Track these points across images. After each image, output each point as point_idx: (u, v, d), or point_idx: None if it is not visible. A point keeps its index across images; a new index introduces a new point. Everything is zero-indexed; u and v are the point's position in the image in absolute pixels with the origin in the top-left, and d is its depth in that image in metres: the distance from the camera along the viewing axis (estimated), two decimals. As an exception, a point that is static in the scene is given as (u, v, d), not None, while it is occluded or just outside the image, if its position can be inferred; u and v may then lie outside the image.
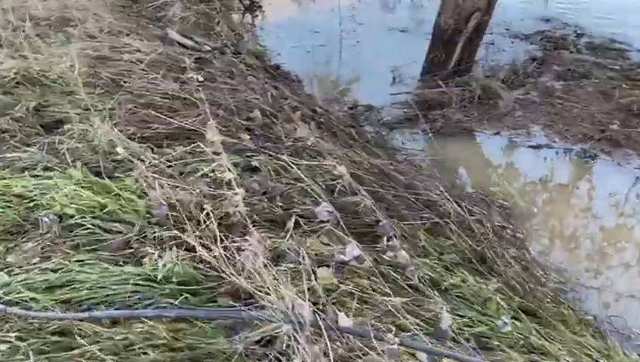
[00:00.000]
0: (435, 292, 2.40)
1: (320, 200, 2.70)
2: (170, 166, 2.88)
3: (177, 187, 2.59)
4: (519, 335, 2.35)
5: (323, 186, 2.96)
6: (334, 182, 2.96)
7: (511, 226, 3.49)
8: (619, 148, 4.42)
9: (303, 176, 2.87)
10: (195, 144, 2.89)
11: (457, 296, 2.51)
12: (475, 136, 4.67)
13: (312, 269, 2.21)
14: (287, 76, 5.46)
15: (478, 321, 2.39)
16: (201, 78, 4.08)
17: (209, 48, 5.18)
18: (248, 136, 3.35)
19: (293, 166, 2.94)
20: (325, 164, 3.08)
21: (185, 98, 3.66)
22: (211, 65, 4.68)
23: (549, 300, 2.84)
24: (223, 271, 2.08)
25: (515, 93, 5.30)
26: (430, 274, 2.55)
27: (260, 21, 8.02)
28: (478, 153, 4.50)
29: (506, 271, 2.88)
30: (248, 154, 3.10)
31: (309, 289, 2.08)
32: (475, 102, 5.05)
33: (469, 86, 5.16)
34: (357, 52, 6.54)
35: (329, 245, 2.43)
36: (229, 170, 2.64)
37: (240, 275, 2.06)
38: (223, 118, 3.53)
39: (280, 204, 2.66)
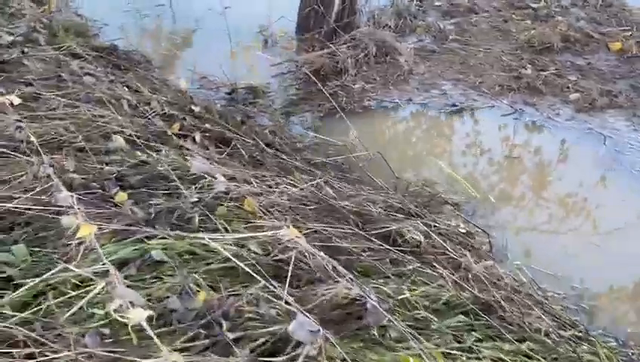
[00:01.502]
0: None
1: (287, 306, 1.74)
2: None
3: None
4: None
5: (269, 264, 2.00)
6: (284, 255, 2.00)
7: (480, 232, 2.84)
8: (541, 96, 3.95)
9: (241, 264, 1.87)
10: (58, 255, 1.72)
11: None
12: (387, 109, 3.88)
13: None
14: (131, 59, 4.13)
15: None
16: (16, 100, 2.72)
17: (11, 38, 3.66)
18: (125, 196, 2.20)
19: (220, 249, 1.91)
20: (263, 226, 2.10)
21: (3, 145, 2.34)
22: (24, 68, 3.25)
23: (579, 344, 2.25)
24: None
25: (409, 42, 4.58)
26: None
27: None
28: (399, 132, 3.73)
29: (518, 318, 2.21)
30: (138, 235, 1.99)
31: None
32: (372, 62, 4.24)
33: (360, 42, 4.31)
34: (206, 9, 5.29)
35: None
36: (132, 303, 1.55)
37: None
38: (74, 169, 2.31)
39: (226, 331, 1.65)
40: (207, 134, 3.08)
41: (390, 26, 4.65)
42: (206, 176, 2.44)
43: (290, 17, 4.79)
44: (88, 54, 3.72)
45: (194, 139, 2.94)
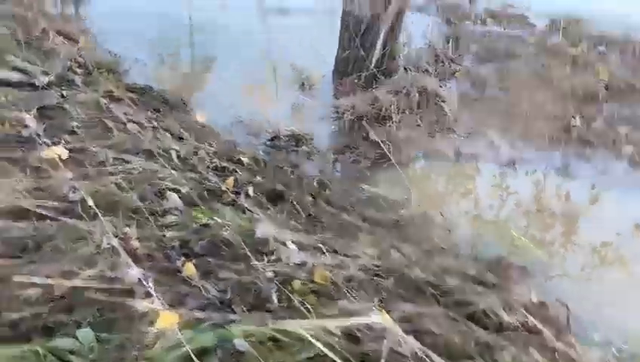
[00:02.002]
0: None
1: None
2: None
3: None
4: None
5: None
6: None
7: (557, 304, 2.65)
8: (593, 149, 3.82)
9: (336, 358, 1.68)
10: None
11: None
12: (435, 160, 3.73)
13: None
14: (167, 100, 3.97)
15: None
16: (64, 153, 2.54)
17: (47, 79, 3.51)
18: (194, 269, 2.01)
19: (309, 337, 1.72)
20: (353, 312, 1.91)
21: (56, 208, 2.16)
22: (65, 113, 3.09)
23: None
24: None
25: (449, 87, 4.46)
26: None
27: (86, 9, 6.23)
28: (451, 186, 3.56)
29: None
30: (214, 320, 1.80)
31: None
32: (415, 108, 4.11)
33: (401, 88, 4.18)
34: (233, 44, 5.18)
35: None
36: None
37: None
38: (136, 236, 2.12)
39: None
40: (259, 191, 2.92)
41: (429, 71, 4.53)
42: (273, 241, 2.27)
43: (327, 60, 4.69)
44: (128, 96, 3.56)
45: (247, 194, 2.76)
